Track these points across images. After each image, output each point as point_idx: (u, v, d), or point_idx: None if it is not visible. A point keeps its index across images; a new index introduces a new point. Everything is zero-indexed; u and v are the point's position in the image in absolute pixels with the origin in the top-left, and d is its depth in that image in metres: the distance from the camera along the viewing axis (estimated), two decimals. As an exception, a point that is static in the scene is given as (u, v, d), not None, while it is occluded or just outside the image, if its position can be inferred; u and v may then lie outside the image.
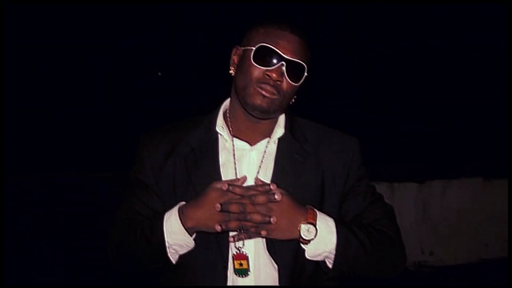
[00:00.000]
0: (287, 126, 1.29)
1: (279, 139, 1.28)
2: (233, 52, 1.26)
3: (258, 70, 1.17)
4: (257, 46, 1.17)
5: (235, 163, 1.25)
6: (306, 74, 1.21)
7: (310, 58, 1.23)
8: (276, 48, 1.16)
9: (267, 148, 1.27)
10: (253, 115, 1.22)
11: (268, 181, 1.21)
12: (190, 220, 1.14)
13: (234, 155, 1.26)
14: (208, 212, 1.13)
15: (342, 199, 1.28)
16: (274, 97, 1.18)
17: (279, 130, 1.28)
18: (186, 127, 1.31)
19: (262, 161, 1.25)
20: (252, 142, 1.27)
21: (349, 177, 1.28)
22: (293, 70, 1.18)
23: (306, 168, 1.25)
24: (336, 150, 1.29)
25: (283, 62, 1.16)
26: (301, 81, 1.21)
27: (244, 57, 1.21)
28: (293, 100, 1.25)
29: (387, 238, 1.24)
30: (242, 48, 1.23)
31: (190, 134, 1.29)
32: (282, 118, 1.30)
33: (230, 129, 1.28)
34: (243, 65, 1.20)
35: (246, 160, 1.26)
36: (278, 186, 1.13)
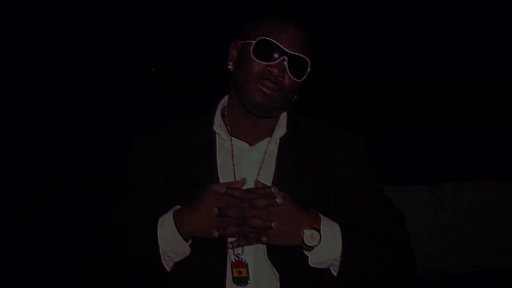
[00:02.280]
0: (289, 125, 1.23)
1: (281, 139, 1.22)
2: (232, 46, 1.19)
3: (258, 65, 1.11)
4: (257, 39, 1.11)
5: (233, 164, 1.19)
6: (309, 69, 1.15)
7: (314, 53, 1.17)
8: (278, 42, 1.10)
9: (268, 148, 1.21)
10: (253, 113, 1.16)
11: (269, 183, 1.15)
12: (186, 225, 1.09)
13: (232, 155, 1.20)
14: (205, 217, 1.08)
15: (347, 202, 1.21)
16: (276, 94, 1.12)
17: (281, 129, 1.22)
18: (182, 126, 1.26)
19: (262, 162, 1.19)
20: (252, 142, 1.21)
21: (355, 180, 1.22)
22: (296, 65, 1.12)
23: (310, 169, 1.19)
24: (341, 151, 1.23)
25: (285, 57, 1.11)
26: (304, 77, 1.15)
27: (243, 51, 1.15)
28: (295, 98, 1.19)
29: (396, 244, 1.19)
30: (242, 42, 1.17)
31: (186, 133, 1.23)
32: (284, 117, 1.24)
33: (229, 128, 1.22)
34: (242, 60, 1.14)
35: (246, 161, 1.20)
36: (279, 189, 1.08)
